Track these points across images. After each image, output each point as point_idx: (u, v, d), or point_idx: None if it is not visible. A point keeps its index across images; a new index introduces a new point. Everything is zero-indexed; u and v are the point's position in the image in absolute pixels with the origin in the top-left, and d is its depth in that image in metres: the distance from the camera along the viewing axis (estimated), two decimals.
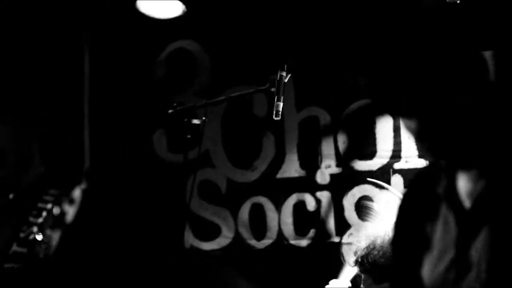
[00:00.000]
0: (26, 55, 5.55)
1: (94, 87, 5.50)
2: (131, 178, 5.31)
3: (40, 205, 2.28)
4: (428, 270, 2.07)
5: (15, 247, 2.40)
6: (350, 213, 4.86)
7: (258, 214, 5.08)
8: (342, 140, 4.91)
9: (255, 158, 5.13)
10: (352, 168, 4.88)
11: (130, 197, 5.28)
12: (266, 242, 5.06)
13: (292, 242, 4.98)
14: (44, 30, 5.49)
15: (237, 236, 5.10)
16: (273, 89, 3.78)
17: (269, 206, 5.06)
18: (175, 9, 5.11)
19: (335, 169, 4.93)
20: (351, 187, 4.86)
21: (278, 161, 5.07)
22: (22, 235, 2.31)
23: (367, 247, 3.71)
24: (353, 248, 3.81)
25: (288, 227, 5.01)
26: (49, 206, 2.27)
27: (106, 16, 5.43)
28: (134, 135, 5.37)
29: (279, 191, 5.05)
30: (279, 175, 5.06)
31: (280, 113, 3.74)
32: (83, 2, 5.43)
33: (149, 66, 5.40)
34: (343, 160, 4.91)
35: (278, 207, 5.04)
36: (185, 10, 5.08)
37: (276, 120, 3.77)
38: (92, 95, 5.50)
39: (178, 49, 5.39)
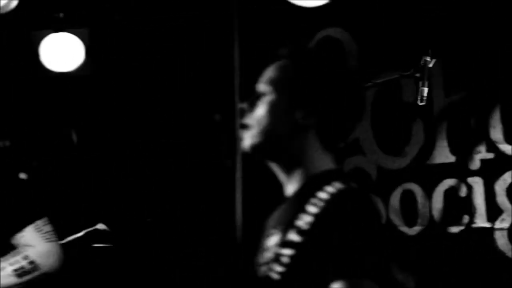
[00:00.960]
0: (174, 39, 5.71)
1: (244, 75, 5.60)
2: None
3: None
4: None
5: None
6: (502, 199, 4.77)
7: (409, 201, 5.06)
8: (493, 125, 4.82)
9: (405, 144, 5.11)
10: (503, 153, 4.78)
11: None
12: (417, 228, 5.03)
13: (443, 228, 4.93)
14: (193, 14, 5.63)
15: (388, 223, 5.09)
16: (418, 75, 3.77)
17: (419, 193, 5.03)
18: None
19: (486, 155, 4.84)
20: (503, 172, 4.76)
21: (428, 147, 5.02)
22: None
23: None
24: None
25: (439, 213, 4.96)
26: None
27: (255, 4, 5.53)
28: None
29: (430, 177, 5.00)
30: (429, 161, 5.02)
31: (425, 98, 3.73)
32: None
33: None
34: (494, 145, 4.81)
35: (429, 193, 5.00)
36: None
37: (425, 106, 3.75)
38: (243, 84, 5.60)
39: (326, 37, 5.43)
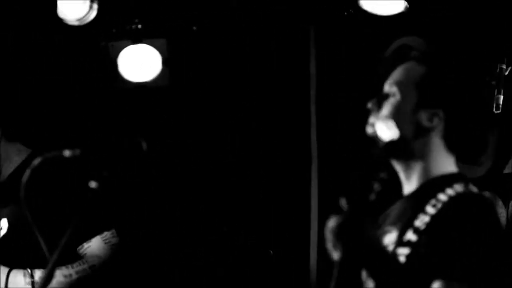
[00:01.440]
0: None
1: (320, 85, 5.60)
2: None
3: None
4: None
5: None
6: None
7: None
8: None
9: (482, 153, 5.02)
10: None
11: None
12: None
13: None
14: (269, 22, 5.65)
15: None
16: (493, 82, 3.73)
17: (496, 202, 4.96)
18: (398, 6, 5.12)
19: None
20: None
21: (505, 155, 4.94)
22: None
23: None
24: None
25: None
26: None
27: (330, 13, 5.52)
28: (360, 132, 5.41)
29: (507, 186, 4.92)
30: (506, 170, 4.94)
31: (500, 106, 3.69)
32: None
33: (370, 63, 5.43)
34: None
35: (506, 202, 4.92)
36: (408, 6, 5.08)
37: (501, 113, 3.71)
38: (319, 93, 5.60)
39: (401, 46, 5.38)
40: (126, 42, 5.87)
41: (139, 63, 5.87)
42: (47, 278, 2.26)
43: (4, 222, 3.09)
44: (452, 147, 2.46)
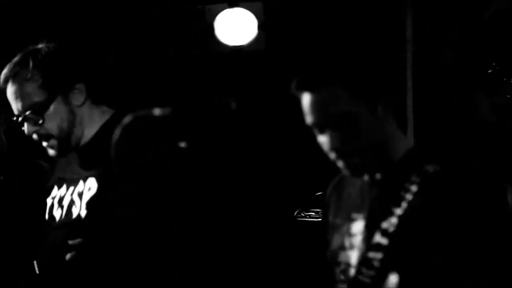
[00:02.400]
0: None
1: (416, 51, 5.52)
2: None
3: None
4: None
5: None
6: None
7: None
8: None
9: None
10: None
11: None
12: None
13: None
14: None
15: None
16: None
17: None
18: None
19: None
20: None
21: None
22: None
23: None
24: None
25: None
26: None
27: None
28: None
29: None
30: None
31: None
32: None
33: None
34: None
35: None
36: None
37: None
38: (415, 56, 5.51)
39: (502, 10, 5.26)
40: (222, 6, 5.88)
41: (235, 26, 5.87)
42: None
43: (93, 182, 3.10)
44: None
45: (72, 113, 3.21)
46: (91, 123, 3.23)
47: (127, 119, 2.45)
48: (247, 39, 5.89)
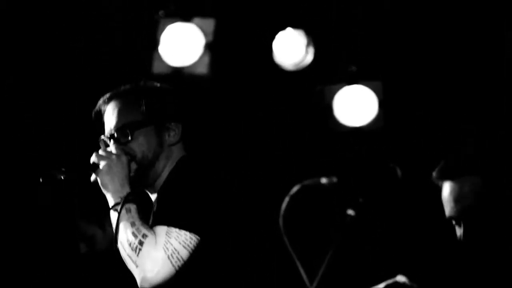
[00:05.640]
0: None
1: None
2: None
3: None
4: None
5: None
6: None
7: None
8: None
9: None
10: None
11: None
12: None
13: None
14: None
15: None
16: None
17: None
18: None
19: None
20: None
21: None
22: None
23: None
24: None
25: None
26: None
27: None
28: None
29: None
30: None
31: None
32: None
33: None
34: None
35: None
36: None
37: None
38: None
39: None
40: (341, 85, 5.88)
41: (355, 105, 5.84)
42: None
43: None
44: None
45: (161, 147, 3.21)
46: (172, 165, 3.20)
47: (294, 188, 2.45)
48: (366, 118, 5.85)
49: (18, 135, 5.62)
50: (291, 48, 5.64)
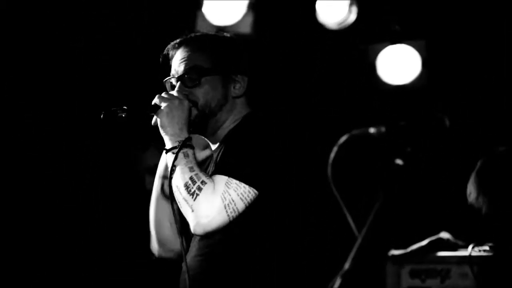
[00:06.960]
0: None
1: None
2: None
3: None
4: None
5: None
6: None
7: None
8: None
9: None
10: None
11: None
12: None
13: None
14: None
15: None
16: None
17: None
18: None
19: None
20: None
21: None
22: None
23: None
24: None
25: None
26: None
27: None
28: None
29: None
30: None
31: None
32: None
33: None
34: None
35: None
36: None
37: None
38: None
39: None
40: (384, 44, 5.88)
41: (398, 64, 5.84)
42: None
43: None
44: None
45: (225, 98, 3.23)
46: (234, 118, 3.23)
47: (342, 137, 2.47)
48: (410, 77, 5.86)
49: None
50: (334, 7, 5.63)
